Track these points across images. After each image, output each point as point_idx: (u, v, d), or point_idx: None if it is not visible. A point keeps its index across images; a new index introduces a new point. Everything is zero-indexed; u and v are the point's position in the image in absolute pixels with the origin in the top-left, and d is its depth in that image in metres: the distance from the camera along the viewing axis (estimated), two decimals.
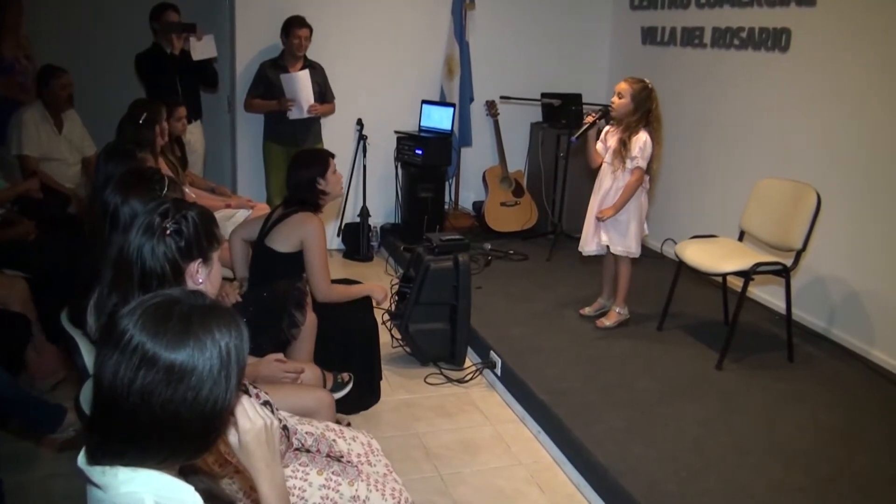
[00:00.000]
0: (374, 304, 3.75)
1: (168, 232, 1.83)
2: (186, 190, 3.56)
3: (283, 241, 3.36)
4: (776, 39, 4.79)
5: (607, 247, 4.31)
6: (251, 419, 1.40)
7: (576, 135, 4.25)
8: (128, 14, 6.16)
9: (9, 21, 5.28)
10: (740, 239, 4.35)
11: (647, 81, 4.11)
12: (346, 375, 3.33)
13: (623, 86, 4.12)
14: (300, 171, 3.43)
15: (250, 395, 2.23)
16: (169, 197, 2.25)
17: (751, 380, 3.86)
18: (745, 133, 5.12)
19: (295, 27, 5.47)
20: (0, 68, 5.25)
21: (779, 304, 4.58)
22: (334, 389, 3.19)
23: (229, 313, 1.28)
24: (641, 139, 4.07)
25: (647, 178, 4.19)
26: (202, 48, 5.38)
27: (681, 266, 4.25)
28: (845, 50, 4.33)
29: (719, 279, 4.55)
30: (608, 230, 4.27)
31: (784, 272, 3.94)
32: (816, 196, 3.88)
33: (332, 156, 3.51)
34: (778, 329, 4.40)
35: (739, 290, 3.99)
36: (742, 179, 4.88)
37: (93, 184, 3.36)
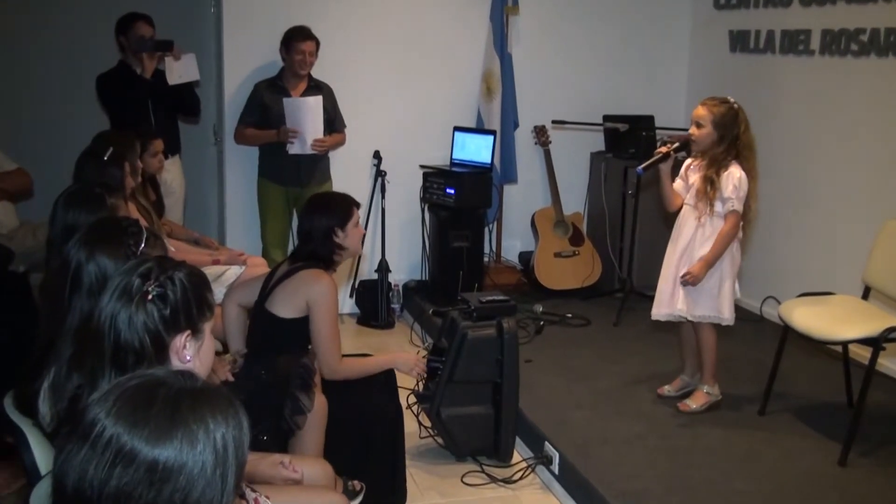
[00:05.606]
0: (405, 374, 3.73)
1: (150, 297, 1.86)
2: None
3: (285, 304, 3.39)
4: None
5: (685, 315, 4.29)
6: None
7: (643, 165, 4.28)
8: (86, 24, 6.29)
9: None
10: (865, 297, 4.33)
11: (732, 101, 4.13)
12: (357, 483, 3.31)
13: (701, 112, 4.14)
14: (315, 218, 3.47)
15: (248, 502, 2.24)
16: (150, 254, 2.28)
17: (883, 478, 3.80)
18: (867, 162, 5.11)
19: (297, 40, 5.56)
20: None
21: None
22: None
23: (226, 398, 1.30)
24: (735, 175, 4.09)
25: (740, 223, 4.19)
26: (180, 70, 5.46)
27: (787, 332, 4.23)
28: None
29: (839, 349, 4.51)
30: (690, 290, 4.24)
31: None
32: None
33: (358, 205, 3.56)
34: None
35: (866, 362, 3.95)
36: (863, 220, 4.86)
37: (48, 236, 3.40)
